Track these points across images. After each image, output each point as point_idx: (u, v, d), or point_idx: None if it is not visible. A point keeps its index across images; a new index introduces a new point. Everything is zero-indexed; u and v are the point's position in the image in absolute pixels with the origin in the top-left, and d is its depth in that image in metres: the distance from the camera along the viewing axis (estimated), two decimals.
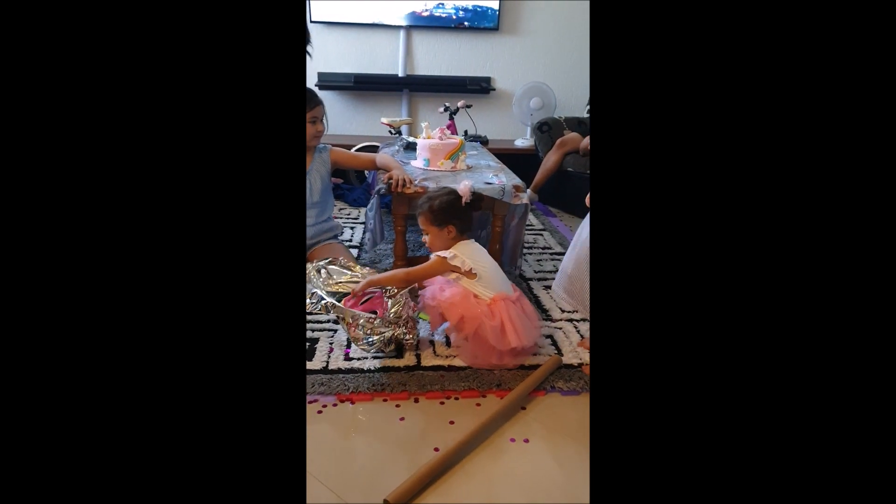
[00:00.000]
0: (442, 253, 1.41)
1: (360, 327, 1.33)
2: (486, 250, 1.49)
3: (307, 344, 1.45)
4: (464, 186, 1.45)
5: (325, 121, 1.78)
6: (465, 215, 1.44)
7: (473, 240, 1.49)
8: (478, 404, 1.24)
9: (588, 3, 3.21)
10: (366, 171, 2.97)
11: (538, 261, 2.15)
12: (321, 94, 3.25)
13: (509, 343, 1.32)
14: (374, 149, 2.87)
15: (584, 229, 1.39)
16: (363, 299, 1.41)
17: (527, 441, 1.13)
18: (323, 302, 1.33)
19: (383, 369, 1.34)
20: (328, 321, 1.58)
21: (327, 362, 1.37)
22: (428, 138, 1.90)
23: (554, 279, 1.94)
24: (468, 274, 1.40)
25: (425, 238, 1.48)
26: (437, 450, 1.07)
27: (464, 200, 1.43)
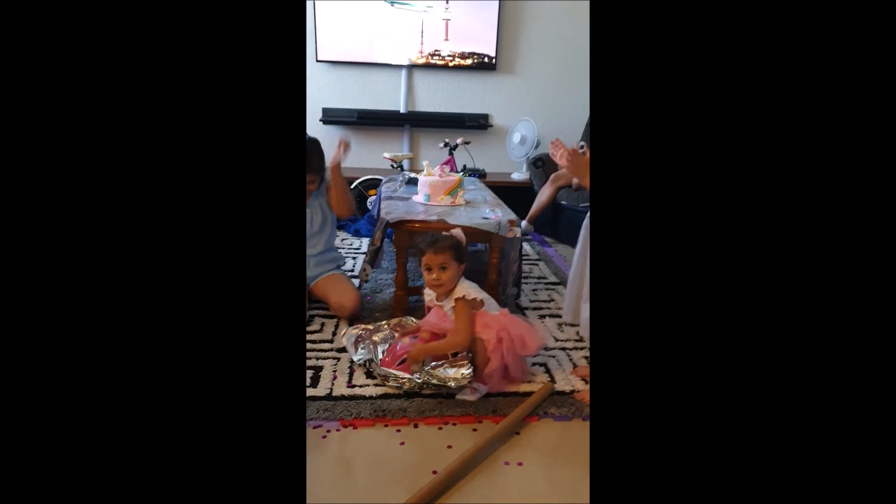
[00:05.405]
0: (457, 295, 1.48)
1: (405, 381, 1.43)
2: None
3: (312, 372, 1.52)
4: (458, 232, 1.60)
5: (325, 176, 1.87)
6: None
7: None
8: (474, 429, 1.31)
9: (581, 44, 3.37)
10: (368, 203, 3.08)
11: (534, 290, 2.23)
12: (325, 128, 3.41)
13: (530, 348, 1.45)
14: (376, 182, 2.99)
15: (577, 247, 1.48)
16: (399, 361, 1.46)
17: (521, 464, 1.19)
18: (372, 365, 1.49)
19: (384, 396, 1.41)
20: (332, 349, 1.65)
21: (331, 389, 1.43)
22: (429, 175, 2.01)
23: (549, 308, 2.03)
24: (480, 304, 1.50)
25: (437, 276, 1.49)
26: (435, 472, 1.13)
27: (465, 244, 1.59)
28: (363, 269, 1.93)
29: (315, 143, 1.82)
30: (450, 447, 1.23)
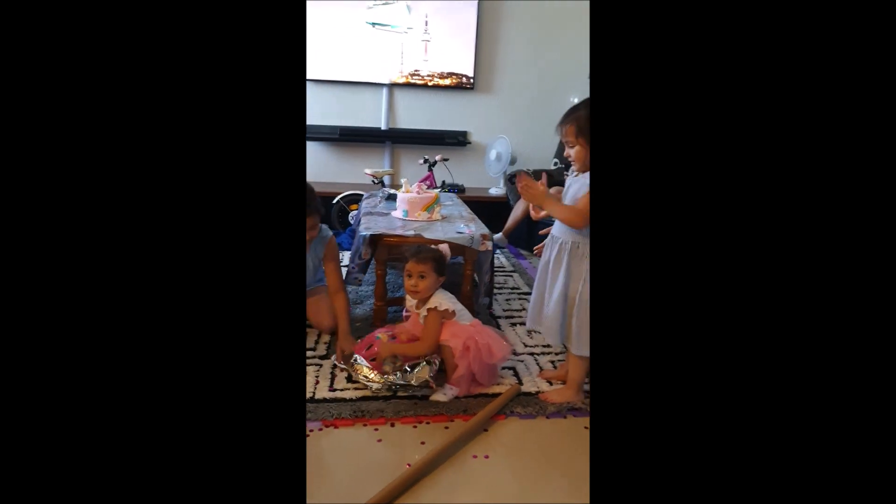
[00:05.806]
0: (430, 306, 1.60)
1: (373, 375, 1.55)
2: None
3: None
4: (445, 248, 1.73)
5: (321, 227, 1.89)
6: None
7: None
8: (446, 427, 1.42)
9: (554, 66, 3.54)
10: (350, 217, 3.20)
11: (507, 300, 2.36)
12: (308, 144, 3.52)
13: (496, 356, 1.57)
14: (357, 197, 3.10)
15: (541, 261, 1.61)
16: (367, 346, 1.60)
17: (487, 457, 1.31)
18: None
19: (363, 398, 1.51)
20: (315, 356, 1.75)
21: (314, 392, 1.54)
22: (407, 192, 2.14)
23: (521, 317, 2.16)
24: (451, 314, 1.62)
25: (415, 282, 1.60)
26: (409, 466, 1.24)
27: (447, 259, 1.71)
28: (356, 278, 2.04)
29: (309, 188, 1.82)
30: (423, 443, 1.34)
